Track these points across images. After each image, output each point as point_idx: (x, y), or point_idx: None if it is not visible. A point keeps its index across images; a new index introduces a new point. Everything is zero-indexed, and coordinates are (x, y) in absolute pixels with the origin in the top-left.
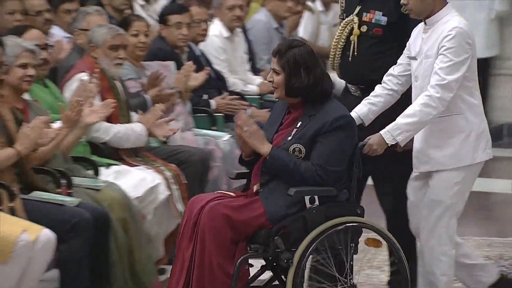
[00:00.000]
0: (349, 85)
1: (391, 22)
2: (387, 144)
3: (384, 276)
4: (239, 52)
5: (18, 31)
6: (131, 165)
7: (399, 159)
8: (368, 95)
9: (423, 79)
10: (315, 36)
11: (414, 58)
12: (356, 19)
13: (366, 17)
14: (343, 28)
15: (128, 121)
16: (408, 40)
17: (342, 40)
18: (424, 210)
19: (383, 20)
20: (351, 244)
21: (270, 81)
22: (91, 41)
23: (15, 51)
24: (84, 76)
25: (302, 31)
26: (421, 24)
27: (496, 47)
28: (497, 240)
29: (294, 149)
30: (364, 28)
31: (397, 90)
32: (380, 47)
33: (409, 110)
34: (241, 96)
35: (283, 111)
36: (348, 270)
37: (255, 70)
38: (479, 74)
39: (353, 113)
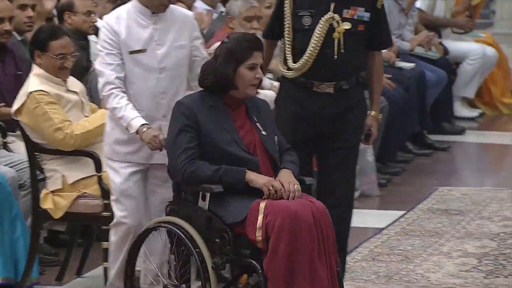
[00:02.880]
0: (316, 83)
1: (371, 18)
2: None
3: (494, 226)
4: None
5: None
6: None
7: None
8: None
9: (177, 69)
10: (431, 7)
11: (142, 51)
12: (336, 16)
13: (347, 13)
14: (322, 26)
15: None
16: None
17: (322, 38)
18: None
19: (366, 16)
20: None
21: (259, 78)
22: (228, 13)
23: None
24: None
25: (420, 2)
26: (127, 16)
27: None
28: None
29: (277, 141)
30: (347, 25)
31: None
32: (363, 43)
33: None
34: None
35: (222, 110)
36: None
37: None
38: None
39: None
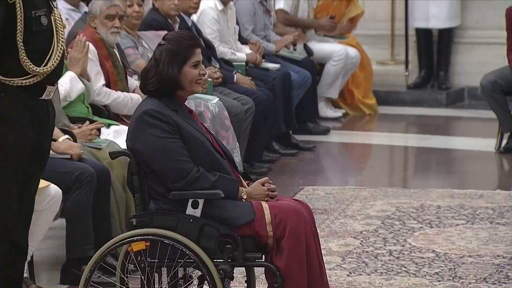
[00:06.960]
0: (50, 87)
1: None
2: None
3: (357, 224)
4: (231, 23)
5: None
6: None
7: None
8: None
9: None
10: (295, 8)
11: None
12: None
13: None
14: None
15: (126, 85)
16: None
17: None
18: None
19: None
20: None
21: (203, 74)
22: (90, 12)
23: None
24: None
25: (283, 3)
26: None
27: (458, 18)
28: (458, 191)
29: None
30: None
31: None
32: None
33: None
34: (229, 63)
35: (184, 111)
36: None
37: (241, 40)
38: (443, 42)
39: None
